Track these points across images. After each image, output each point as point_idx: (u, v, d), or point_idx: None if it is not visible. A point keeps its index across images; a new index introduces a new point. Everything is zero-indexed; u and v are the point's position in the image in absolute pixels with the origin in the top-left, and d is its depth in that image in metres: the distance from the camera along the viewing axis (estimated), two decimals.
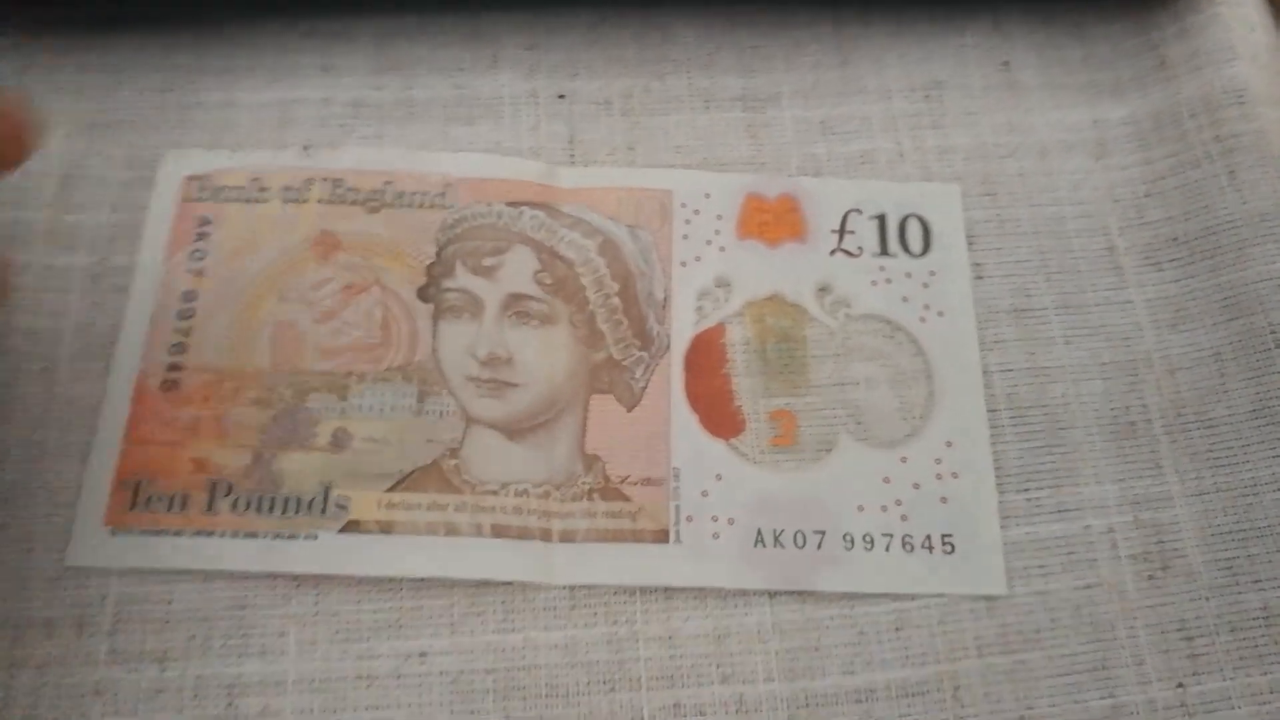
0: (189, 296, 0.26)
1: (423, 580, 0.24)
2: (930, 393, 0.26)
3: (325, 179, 0.27)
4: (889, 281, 0.27)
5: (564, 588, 0.24)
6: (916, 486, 0.25)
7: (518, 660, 0.23)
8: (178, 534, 0.24)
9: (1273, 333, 0.26)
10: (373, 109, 0.29)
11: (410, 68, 0.29)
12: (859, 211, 0.28)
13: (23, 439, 0.24)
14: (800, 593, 0.24)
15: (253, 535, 0.24)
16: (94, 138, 0.28)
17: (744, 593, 0.24)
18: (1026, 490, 0.25)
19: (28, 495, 0.24)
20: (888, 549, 0.24)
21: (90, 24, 0.29)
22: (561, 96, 0.29)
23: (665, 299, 0.26)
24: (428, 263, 0.26)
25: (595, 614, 0.24)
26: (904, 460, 0.25)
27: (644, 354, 0.26)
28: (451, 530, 0.24)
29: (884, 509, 0.25)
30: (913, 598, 0.24)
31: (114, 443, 0.24)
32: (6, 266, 0.24)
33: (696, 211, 0.27)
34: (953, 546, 0.24)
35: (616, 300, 0.26)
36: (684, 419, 0.25)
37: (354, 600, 0.23)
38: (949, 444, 0.25)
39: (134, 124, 0.28)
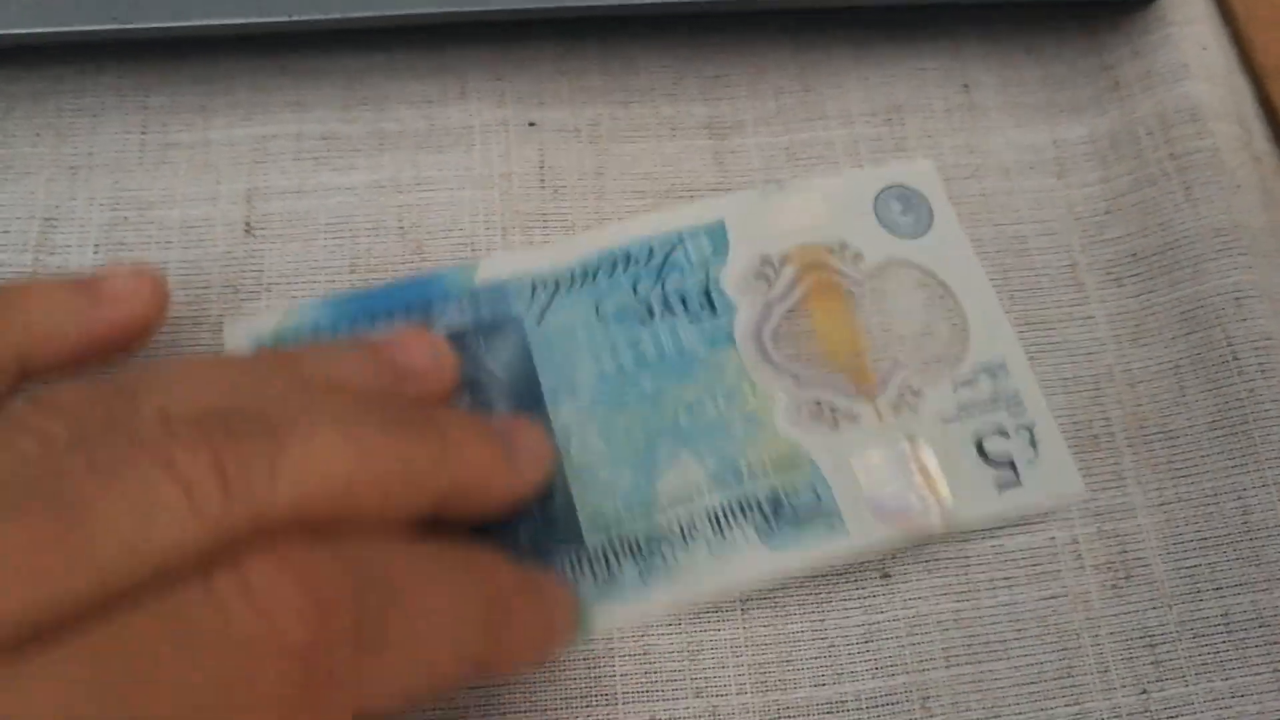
0: None
1: None
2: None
3: None
4: None
5: None
6: None
7: (495, 677, 0.24)
8: None
9: (1229, 345, 0.27)
10: (344, 140, 0.29)
11: (380, 101, 0.30)
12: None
13: None
14: (772, 605, 0.24)
15: None
16: (76, 180, 0.28)
17: (716, 608, 0.24)
18: None
19: None
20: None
21: (65, 68, 0.30)
22: (532, 124, 0.30)
23: None
24: None
25: None
26: None
27: None
28: None
29: None
30: (881, 610, 0.24)
31: None
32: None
33: None
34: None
35: None
36: None
37: None
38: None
39: (114, 165, 0.28)
